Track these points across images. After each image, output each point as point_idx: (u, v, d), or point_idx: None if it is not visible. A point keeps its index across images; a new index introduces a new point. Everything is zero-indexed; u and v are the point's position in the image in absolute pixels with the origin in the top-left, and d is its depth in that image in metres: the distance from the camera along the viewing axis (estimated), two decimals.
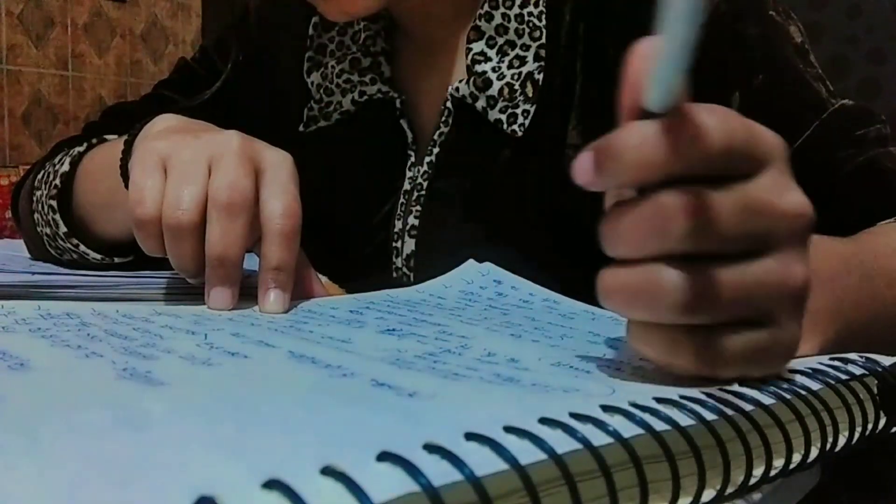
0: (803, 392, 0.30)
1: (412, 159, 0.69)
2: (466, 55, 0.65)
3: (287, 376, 0.30)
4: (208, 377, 0.29)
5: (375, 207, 0.70)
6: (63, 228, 0.64)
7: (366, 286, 0.58)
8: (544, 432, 0.23)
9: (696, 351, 0.29)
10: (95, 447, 0.21)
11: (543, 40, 0.64)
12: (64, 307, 0.44)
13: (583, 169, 0.30)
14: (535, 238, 0.64)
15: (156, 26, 3.00)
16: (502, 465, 0.22)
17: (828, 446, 0.30)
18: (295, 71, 0.74)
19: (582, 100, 0.63)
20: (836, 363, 0.34)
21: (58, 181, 0.65)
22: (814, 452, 0.29)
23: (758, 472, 0.27)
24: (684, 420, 0.26)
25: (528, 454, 0.22)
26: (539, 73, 0.63)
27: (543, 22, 0.64)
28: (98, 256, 0.64)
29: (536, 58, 0.64)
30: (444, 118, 0.67)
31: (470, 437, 0.22)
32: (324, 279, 0.63)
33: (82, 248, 0.64)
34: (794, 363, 0.33)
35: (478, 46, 0.65)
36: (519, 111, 0.64)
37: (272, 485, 0.19)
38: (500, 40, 0.64)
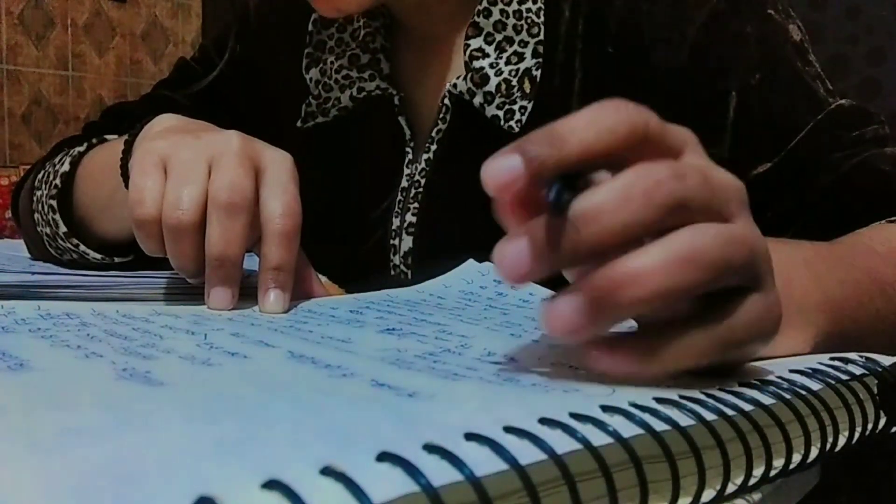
0: (803, 392, 0.30)
1: (410, 156, 0.69)
2: (464, 51, 0.65)
3: (287, 376, 0.30)
4: (208, 377, 0.29)
5: (373, 205, 0.70)
6: (63, 228, 0.64)
7: (364, 283, 0.59)
8: (544, 432, 0.23)
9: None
10: (95, 448, 0.21)
11: (541, 37, 0.63)
12: (64, 307, 0.44)
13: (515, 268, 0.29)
14: None
15: (156, 26, 3.00)
16: (502, 466, 0.22)
17: (828, 446, 0.30)
18: (293, 67, 0.74)
19: (581, 97, 0.63)
20: (836, 363, 0.34)
21: (58, 181, 0.65)
22: (814, 452, 0.29)
23: (758, 472, 0.27)
24: (684, 420, 0.26)
25: (527, 454, 0.22)
26: (537, 69, 0.63)
27: (542, 18, 0.64)
28: (98, 256, 0.64)
29: (534, 54, 0.64)
30: (441, 115, 0.67)
31: (470, 437, 0.22)
32: (324, 279, 0.63)
33: (82, 247, 0.64)
34: (794, 363, 0.33)
35: (476, 43, 0.65)
36: (516, 107, 0.63)
37: (272, 485, 0.19)
38: (499, 37, 0.64)
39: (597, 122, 0.30)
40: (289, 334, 0.40)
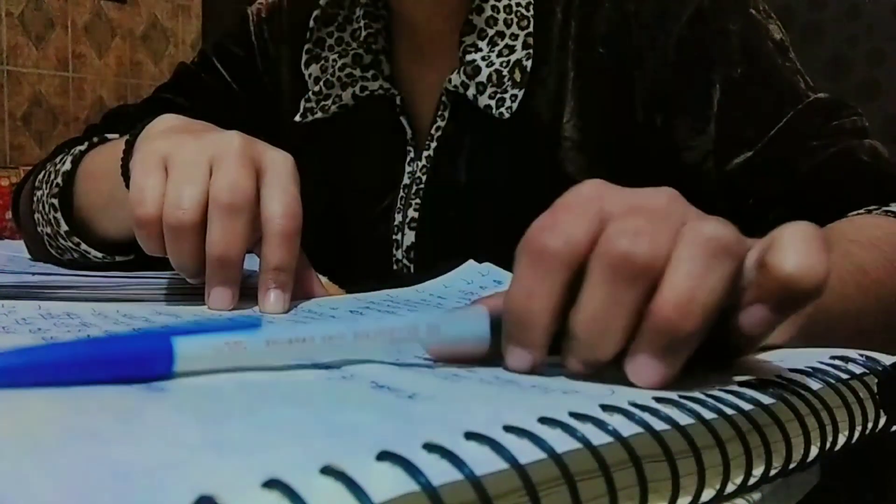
0: (803, 392, 0.30)
1: (411, 154, 0.70)
2: (459, 48, 0.67)
3: (286, 379, 0.30)
4: (208, 379, 0.29)
5: (375, 201, 0.71)
6: (64, 227, 0.64)
7: (367, 278, 0.60)
8: (544, 431, 0.23)
9: None
10: (95, 449, 0.21)
11: (531, 29, 0.66)
12: (64, 307, 0.44)
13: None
14: None
15: (156, 27, 3.00)
16: (502, 465, 0.22)
17: (827, 445, 0.30)
18: (293, 63, 0.75)
19: (574, 96, 0.65)
20: (837, 362, 0.34)
21: (59, 179, 0.65)
22: (814, 452, 0.29)
23: (757, 471, 0.27)
24: (684, 419, 0.26)
25: (527, 453, 0.22)
26: (527, 59, 0.65)
27: (531, 12, 0.66)
28: (99, 255, 0.64)
29: (525, 45, 0.66)
30: (440, 112, 0.68)
31: (469, 436, 0.22)
32: (324, 279, 0.63)
33: (83, 246, 0.64)
34: (794, 362, 0.33)
35: (469, 39, 0.66)
36: (507, 96, 0.65)
37: (272, 484, 0.19)
38: (491, 31, 0.66)
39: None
40: None
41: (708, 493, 0.26)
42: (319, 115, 0.73)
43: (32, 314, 0.42)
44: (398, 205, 0.70)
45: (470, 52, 0.66)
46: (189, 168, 0.47)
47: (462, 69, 0.66)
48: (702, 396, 0.28)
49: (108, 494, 0.18)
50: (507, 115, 0.65)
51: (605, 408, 0.26)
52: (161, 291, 0.52)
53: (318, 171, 0.72)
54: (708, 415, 0.27)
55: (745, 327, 0.29)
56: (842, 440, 0.31)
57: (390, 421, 0.24)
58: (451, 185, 0.68)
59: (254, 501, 0.18)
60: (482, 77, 0.65)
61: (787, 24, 0.73)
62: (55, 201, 0.64)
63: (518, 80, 0.65)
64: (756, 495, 0.28)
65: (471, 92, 0.66)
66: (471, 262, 0.59)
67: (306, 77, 0.74)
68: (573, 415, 0.25)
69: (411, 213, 0.69)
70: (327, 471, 0.20)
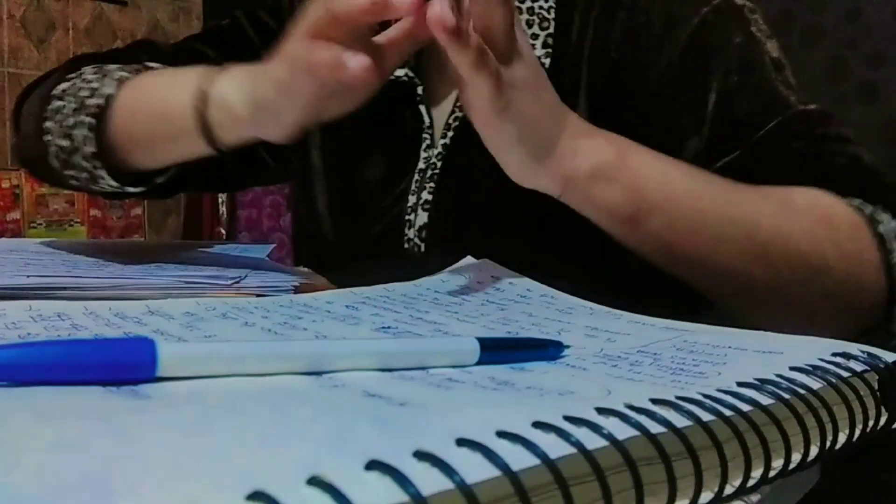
0: (802, 391, 0.30)
1: (428, 141, 0.73)
2: None
3: (277, 386, 0.30)
4: (194, 385, 0.29)
5: (391, 184, 0.74)
6: (91, 149, 0.64)
7: (379, 257, 0.66)
8: (537, 436, 0.23)
9: None
10: (80, 459, 0.21)
11: (551, 30, 0.69)
12: (55, 307, 0.44)
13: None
14: (546, 214, 0.66)
15: (156, 29, 3.00)
16: (494, 472, 0.21)
17: (828, 444, 0.29)
18: None
19: (586, 97, 0.68)
20: (837, 359, 0.33)
21: (99, 101, 0.64)
22: (813, 451, 0.29)
23: (756, 473, 0.27)
24: (680, 421, 0.26)
25: (520, 459, 0.22)
26: (546, 58, 0.69)
27: (552, 15, 0.69)
28: (113, 184, 0.65)
29: (544, 45, 0.69)
30: (458, 103, 0.71)
31: (461, 442, 0.22)
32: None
33: (102, 172, 0.64)
34: (795, 360, 0.33)
35: None
36: None
37: (257, 496, 0.18)
38: None
39: None
40: (283, 335, 0.39)
41: (706, 496, 0.26)
42: None
43: (23, 316, 0.41)
44: (413, 188, 0.73)
45: None
46: None
47: None
48: (699, 397, 0.27)
49: None
50: None
51: (600, 411, 0.25)
52: (155, 293, 0.52)
53: (338, 147, 0.77)
54: (705, 416, 0.26)
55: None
56: (842, 439, 0.30)
57: (380, 429, 0.23)
58: (465, 172, 0.71)
59: None
60: None
61: (787, 28, 0.74)
62: (91, 121, 0.64)
63: None
64: (755, 497, 0.27)
65: None
66: (468, 257, 0.59)
67: None
68: (568, 418, 0.24)
69: (425, 196, 0.72)
70: (314, 481, 0.19)
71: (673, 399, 0.27)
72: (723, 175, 0.63)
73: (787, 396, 0.29)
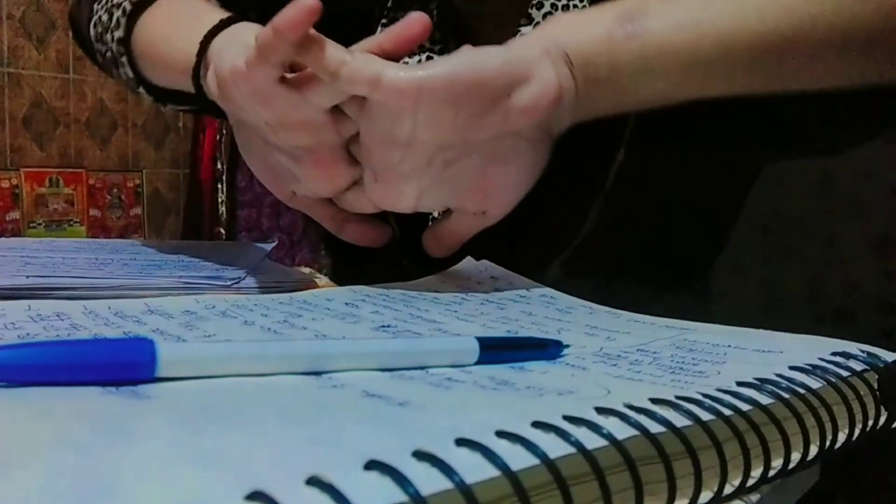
0: (802, 391, 0.30)
1: None
2: (514, 36, 0.70)
3: (276, 386, 0.30)
4: (194, 385, 0.29)
5: None
6: (119, 34, 0.66)
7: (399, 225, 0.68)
8: (537, 436, 0.23)
9: None
10: (79, 460, 0.21)
11: None
12: (55, 306, 0.44)
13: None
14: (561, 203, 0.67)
15: None
16: (493, 472, 0.21)
17: (827, 444, 0.29)
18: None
19: None
20: (837, 358, 0.33)
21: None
22: (813, 451, 0.29)
23: (756, 472, 0.27)
24: (680, 421, 0.26)
25: (520, 459, 0.22)
26: None
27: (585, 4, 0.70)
28: (131, 75, 0.67)
29: None
30: None
31: (461, 442, 0.22)
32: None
33: (122, 59, 0.67)
34: (794, 359, 0.33)
35: (526, 30, 0.69)
36: None
37: (256, 497, 0.18)
38: None
39: None
40: (282, 334, 0.39)
41: (705, 496, 0.26)
42: None
43: (22, 316, 0.41)
44: None
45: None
46: None
47: None
48: (698, 397, 0.27)
49: None
50: None
51: (600, 410, 0.25)
52: (154, 292, 0.52)
53: None
54: (705, 416, 0.26)
55: None
56: (842, 438, 0.30)
57: (379, 429, 0.23)
58: None
59: None
60: None
61: None
62: (128, 7, 0.66)
63: None
64: (755, 496, 0.27)
65: None
66: (468, 258, 0.59)
67: None
68: (567, 418, 0.24)
69: None
70: (313, 481, 0.19)
71: (672, 399, 0.27)
72: None
73: (786, 396, 0.29)
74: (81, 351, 0.29)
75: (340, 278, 0.63)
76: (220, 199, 2.53)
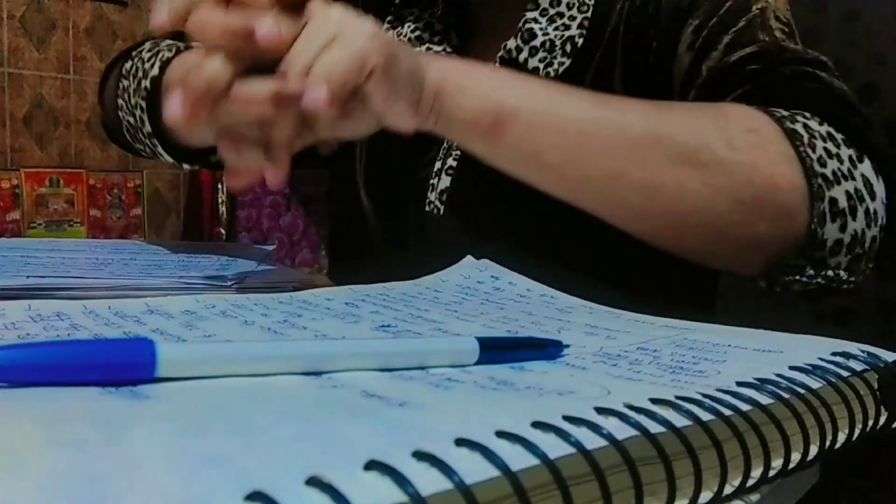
0: (802, 391, 0.29)
1: None
2: (520, 21, 0.72)
3: (275, 386, 0.29)
4: (194, 385, 0.29)
5: (421, 150, 0.77)
6: (148, 129, 0.69)
7: (402, 216, 0.72)
8: (537, 436, 0.23)
9: None
10: (79, 460, 0.21)
11: (589, 14, 0.72)
12: (55, 306, 0.44)
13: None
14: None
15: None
16: (493, 472, 0.21)
17: (827, 444, 0.29)
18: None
19: (622, 83, 0.70)
20: (837, 359, 0.33)
21: (146, 83, 0.68)
22: (813, 451, 0.29)
23: (756, 472, 0.27)
24: (680, 421, 0.26)
25: (519, 459, 0.22)
26: (580, 37, 0.71)
27: (592, 1, 0.72)
28: (170, 160, 0.71)
29: (580, 26, 0.72)
30: None
31: (460, 442, 0.22)
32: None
33: (159, 149, 0.70)
34: (795, 358, 0.33)
35: (532, 14, 0.72)
36: (556, 62, 0.71)
37: (256, 497, 0.18)
38: (552, 11, 0.72)
39: None
40: (282, 334, 0.39)
41: (705, 496, 0.26)
42: None
43: (22, 316, 0.41)
44: (440, 154, 0.75)
45: (529, 23, 0.72)
46: None
47: (519, 34, 0.71)
48: (698, 397, 0.27)
49: None
50: (552, 75, 0.70)
51: (599, 410, 0.25)
52: (153, 291, 0.52)
53: None
54: (705, 416, 0.26)
55: None
56: (842, 438, 0.30)
57: (379, 429, 0.23)
58: None
59: None
60: (536, 42, 0.71)
61: None
62: (143, 103, 0.68)
63: (568, 51, 0.71)
64: (754, 496, 0.27)
65: (523, 56, 0.71)
66: (469, 257, 0.59)
67: None
68: (567, 418, 0.24)
69: (450, 162, 0.74)
70: (313, 482, 0.19)
71: (672, 399, 0.27)
72: (707, 81, 0.64)
73: (786, 396, 0.29)
74: (81, 351, 0.28)
75: (340, 278, 0.63)
76: (220, 199, 2.52)
